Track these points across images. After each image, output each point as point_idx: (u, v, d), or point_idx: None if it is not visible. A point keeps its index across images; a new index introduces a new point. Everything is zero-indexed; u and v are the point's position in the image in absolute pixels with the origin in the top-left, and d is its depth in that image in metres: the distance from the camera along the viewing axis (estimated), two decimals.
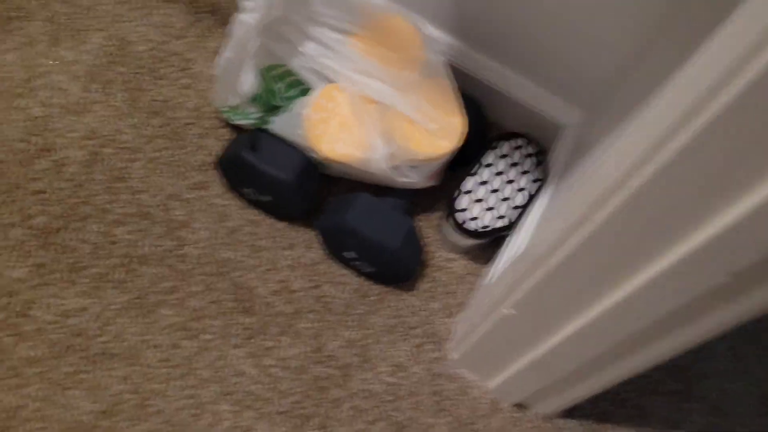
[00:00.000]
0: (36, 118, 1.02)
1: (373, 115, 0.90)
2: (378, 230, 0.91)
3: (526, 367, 0.85)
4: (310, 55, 0.90)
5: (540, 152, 1.02)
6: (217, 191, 1.01)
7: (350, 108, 0.90)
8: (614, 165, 0.55)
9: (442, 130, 0.91)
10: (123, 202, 0.99)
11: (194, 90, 1.07)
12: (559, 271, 0.66)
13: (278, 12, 0.86)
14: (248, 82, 0.88)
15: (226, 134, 1.05)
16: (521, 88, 1.05)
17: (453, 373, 0.96)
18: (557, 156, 1.04)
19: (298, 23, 0.89)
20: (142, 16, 1.11)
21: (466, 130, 0.93)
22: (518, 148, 1.02)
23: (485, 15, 0.99)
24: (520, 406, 0.96)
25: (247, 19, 0.82)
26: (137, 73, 1.07)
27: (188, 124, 1.05)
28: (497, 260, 0.98)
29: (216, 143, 1.04)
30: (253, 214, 1.01)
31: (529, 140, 1.03)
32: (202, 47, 1.10)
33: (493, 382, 0.94)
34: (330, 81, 0.92)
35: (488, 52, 1.04)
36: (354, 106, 0.90)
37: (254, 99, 0.93)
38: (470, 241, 0.99)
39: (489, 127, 1.09)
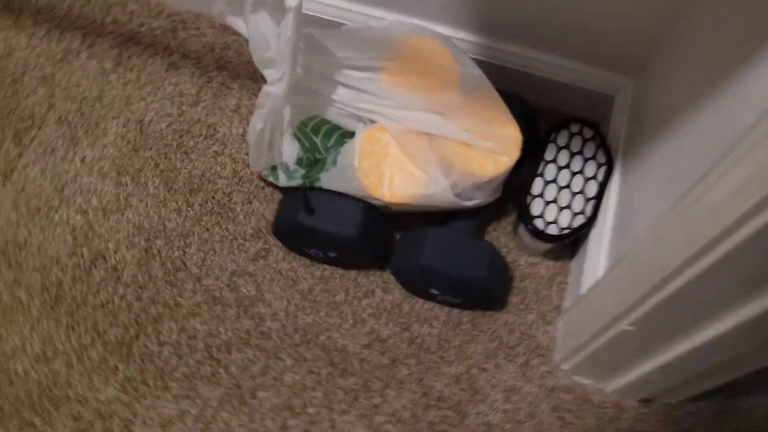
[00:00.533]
0: (78, 227, 0.98)
1: (424, 147, 0.85)
2: (459, 264, 0.86)
3: (650, 371, 0.81)
4: (343, 101, 0.85)
5: (597, 134, 0.96)
6: (279, 256, 0.97)
7: (398, 146, 0.85)
8: (749, 185, 0.50)
9: (499, 146, 0.85)
10: (189, 292, 0.95)
11: (227, 155, 1.03)
12: (689, 289, 0.61)
13: (301, 69, 0.80)
14: (288, 150, 0.83)
15: (272, 194, 1.00)
16: (563, 69, 0.99)
17: (568, 382, 0.92)
18: (616, 130, 0.98)
19: (322, 72, 0.83)
20: (151, 92, 1.06)
21: (521, 138, 0.87)
22: (576, 134, 0.96)
23: (507, 2, 0.92)
24: (644, 399, 0.92)
25: (274, 90, 0.77)
26: (164, 153, 1.02)
27: (230, 192, 1.00)
28: (584, 257, 0.93)
29: (264, 206, 1.00)
30: (322, 270, 0.97)
31: (584, 123, 0.97)
32: (221, 108, 1.05)
33: (613, 385, 0.90)
34: (370, 122, 0.87)
35: (521, 40, 0.98)
36: (402, 143, 0.85)
37: (299, 162, 0.88)
38: (551, 245, 0.94)
39: (538, 115, 1.03)
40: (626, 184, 0.90)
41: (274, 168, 0.94)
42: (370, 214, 0.89)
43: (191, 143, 1.03)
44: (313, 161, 0.89)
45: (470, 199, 0.88)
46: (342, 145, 0.88)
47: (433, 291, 0.91)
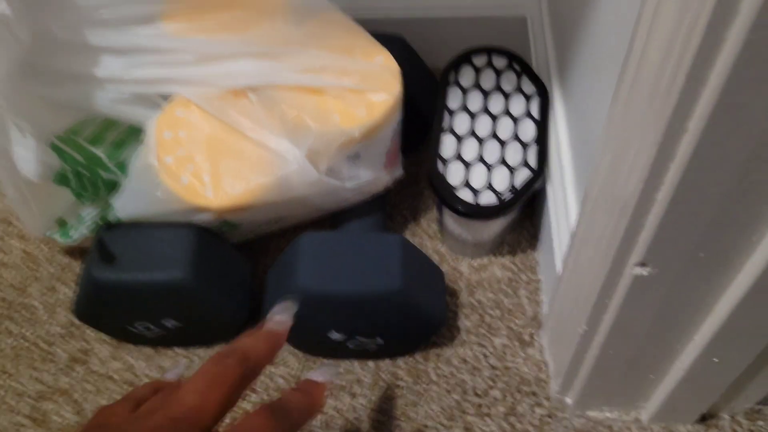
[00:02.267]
0: None
1: (255, 110, 0.55)
2: (356, 274, 0.54)
3: (685, 378, 0.49)
4: (115, 76, 0.55)
5: (513, 57, 0.68)
6: (105, 354, 0.64)
7: (214, 120, 0.55)
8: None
9: (368, 80, 0.56)
10: None
11: (12, 235, 0.71)
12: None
13: (23, 34, 0.50)
14: (26, 155, 0.52)
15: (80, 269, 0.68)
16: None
17: (582, 425, 0.58)
18: (541, 52, 0.69)
19: (70, 39, 0.53)
20: None
21: (399, 68, 0.58)
22: (483, 68, 0.67)
23: None
24: (703, 419, 0.58)
25: None
26: None
27: (22, 284, 0.68)
28: (549, 232, 0.62)
29: (73, 289, 0.67)
30: (171, 357, 0.63)
31: (490, 51, 0.68)
32: None
33: (651, 408, 0.56)
34: (167, 98, 0.57)
35: None
36: (218, 112, 0.54)
37: (60, 182, 0.56)
38: (495, 225, 0.63)
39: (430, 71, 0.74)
40: (575, 109, 0.61)
41: (62, 222, 0.63)
42: (205, 243, 0.57)
43: None
44: (101, 185, 0.58)
45: (352, 181, 0.57)
46: None
47: (336, 336, 0.57)
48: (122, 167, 0.58)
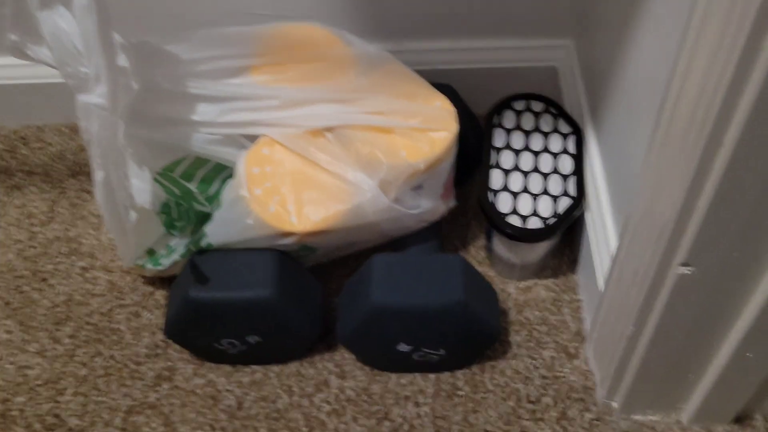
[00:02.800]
0: None
1: (332, 147, 0.63)
2: (424, 290, 0.61)
3: (721, 376, 0.55)
4: (209, 119, 0.63)
5: (549, 105, 0.76)
6: (188, 372, 0.70)
7: (297, 156, 0.63)
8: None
9: (429, 122, 0.64)
10: None
11: (98, 268, 0.78)
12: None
13: (139, 84, 0.59)
14: (142, 186, 0.59)
15: (162, 298, 0.75)
16: (489, 51, 0.81)
17: (628, 426, 0.64)
18: (573, 97, 0.78)
19: (172, 89, 0.62)
20: None
21: (455, 109, 0.66)
22: (522, 111, 0.76)
23: None
24: (738, 419, 0.64)
25: (96, 99, 0.55)
26: (15, 287, 0.77)
27: (109, 311, 0.74)
28: (590, 255, 0.69)
29: (155, 315, 0.74)
30: (250, 374, 0.70)
31: (527, 97, 0.77)
32: (82, 217, 0.82)
33: (689, 410, 0.63)
34: (253, 140, 0.65)
35: (428, 31, 0.80)
36: (300, 149, 0.62)
37: (163, 211, 0.64)
38: (540, 248, 0.70)
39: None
40: (608, 145, 0.69)
41: (151, 252, 0.70)
42: (286, 265, 0.64)
43: (50, 267, 0.78)
44: (192, 218, 0.65)
45: (414, 209, 0.65)
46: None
47: (404, 348, 0.64)
48: (210, 200, 0.66)
